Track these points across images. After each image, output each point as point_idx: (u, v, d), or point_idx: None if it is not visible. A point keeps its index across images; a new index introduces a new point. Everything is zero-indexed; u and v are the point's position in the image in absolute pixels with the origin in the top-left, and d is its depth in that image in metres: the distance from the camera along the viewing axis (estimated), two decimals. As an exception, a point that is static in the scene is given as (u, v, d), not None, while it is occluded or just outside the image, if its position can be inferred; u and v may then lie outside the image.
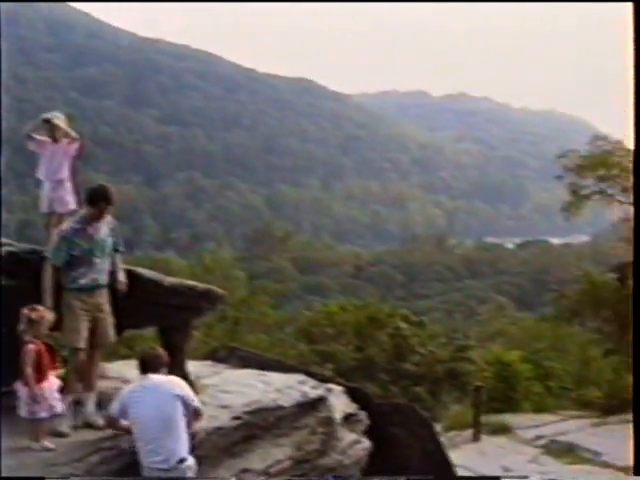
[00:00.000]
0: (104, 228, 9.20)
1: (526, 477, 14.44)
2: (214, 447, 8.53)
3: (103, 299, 9.18)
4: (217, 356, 12.55)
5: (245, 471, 8.67)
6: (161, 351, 8.67)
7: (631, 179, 25.73)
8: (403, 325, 36.83)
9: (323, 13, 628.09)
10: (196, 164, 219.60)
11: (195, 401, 8.22)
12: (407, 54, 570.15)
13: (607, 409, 26.66)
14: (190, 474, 7.86)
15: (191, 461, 7.90)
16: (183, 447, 7.90)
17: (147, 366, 8.33)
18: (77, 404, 8.88)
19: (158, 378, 8.22)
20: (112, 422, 8.39)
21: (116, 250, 9.42)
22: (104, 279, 9.23)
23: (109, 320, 9.17)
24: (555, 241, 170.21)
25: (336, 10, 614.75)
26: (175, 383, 8.25)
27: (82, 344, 8.89)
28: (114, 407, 8.27)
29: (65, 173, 9.98)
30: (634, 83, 12.81)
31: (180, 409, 8.01)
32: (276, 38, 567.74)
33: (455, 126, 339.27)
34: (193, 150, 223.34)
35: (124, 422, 8.23)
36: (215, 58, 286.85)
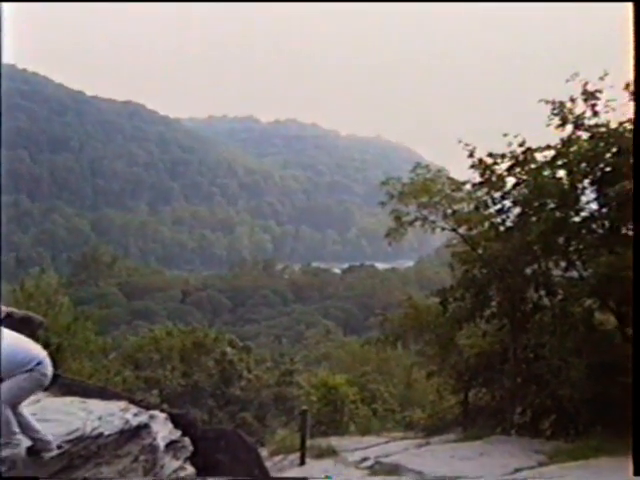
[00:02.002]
0: None
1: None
2: (33, 478, 8.31)
3: None
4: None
5: (65, 502, 8.48)
6: None
7: (453, 206, 26.68)
8: (229, 350, 36.82)
9: (153, 35, 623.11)
10: (21, 187, 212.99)
11: None
12: (236, 78, 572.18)
13: (430, 430, 27.38)
14: None
15: None
16: None
17: None
18: None
19: None
20: None
21: None
22: None
23: None
24: (381, 266, 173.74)
25: (167, 32, 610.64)
26: None
27: None
28: None
29: None
30: (634, 83, 13.23)
31: None
32: (105, 60, 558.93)
33: (283, 152, 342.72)
34: (18, 172, 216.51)
35: None
36: (42, 79, 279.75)
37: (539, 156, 23.77)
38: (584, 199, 23.37)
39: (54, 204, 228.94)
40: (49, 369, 9.05)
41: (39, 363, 8.87)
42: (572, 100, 23.06)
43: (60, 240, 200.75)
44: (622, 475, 15.55)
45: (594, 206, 23.25)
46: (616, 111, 22.47)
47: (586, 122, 22.97)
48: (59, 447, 8.66)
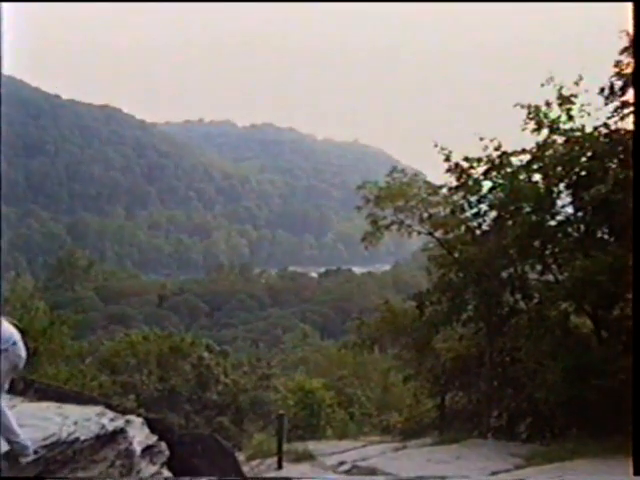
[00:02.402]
0: None
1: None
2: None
3: None
4: (13, 389, 12.14)
5: (41, 507, 8.44)
6: None
7: (429, 210, 26.76)
8: (206, 354, 36.74)
9: (130, 39, 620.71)
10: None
11: None
12: (212, 83, 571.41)
13: (407, 433, 27.42)
14: None
15: None
16: None
17: None
18: None
19: None
20: None
21: None
22: None
23: None
24: (358, 270, 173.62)
25: (143, 36, 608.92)
26: None
27: None
28: None
29: None
30: (634, 82, 13.23)
31: None
32: (82, 64, 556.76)
33: (260, 156, 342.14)
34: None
35: None
36: (17, 82, 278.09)
37: (515, 160, 23.92)
38: (560, 203, 23.52)
39: (30, 208, 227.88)
40: (23, 351, 8.95)
41: (14, 343, 8.79)
42: (547, 104, 23.21)
43: (36, 244, 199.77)
44: (599, 477, 15.69)
45: (570, 210, 23.41)
46: (591, 115, 22.67)
47: (561, 126, 23.12)
48: (35, 452, 8.62)
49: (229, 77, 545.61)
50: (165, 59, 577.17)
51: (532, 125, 23.44)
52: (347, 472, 19.45)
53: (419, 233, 27.28)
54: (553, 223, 23.53)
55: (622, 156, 20.92)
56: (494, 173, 24.13)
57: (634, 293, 10.91)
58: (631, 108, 19.93)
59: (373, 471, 18.92)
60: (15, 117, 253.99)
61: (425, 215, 26.56)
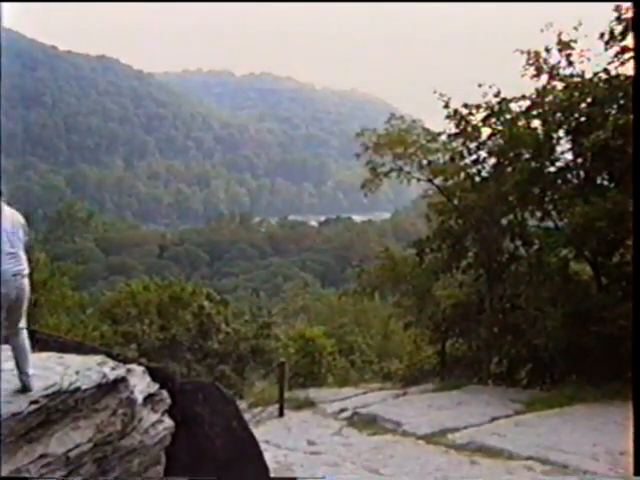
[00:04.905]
0: None
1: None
2: (11, 433, 8.28)
3: None
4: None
5: (44, 456, 8.47)
6: None
7: (428, 157, 26.65)
8: (207, 304, 36.78)
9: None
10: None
11: None
12: (210, 32, 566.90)
13: (408, 380, 27.58)
14: None
15: None
16: None
17: None
18: None
19: None
20: None
21: None
22: None
23: None
24: (357, 218, 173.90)
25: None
26: None
27: None
28: None
29: None
30: (634, 82, 13.18)
31: None
32: (78, 13, 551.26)
33: (258, 105, 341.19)
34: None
35: None
36: (13, 34, 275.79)
37: (514, 106, 23.79)
38: (559, 149, 23.44)
39: (28, 160, 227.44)
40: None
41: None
42: (547, 50, 23.03)
43: (35, 197, 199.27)
44: (597, 422, 15.84)
45: (569, 156, 23.33)
46: (591, 61, 22.51)
47: (561, 72, 22.98)
48: (36, 402, 8.68)
49: (227, 26, 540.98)
50: (162, 8, 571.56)
51: (532, 71, 23.28)
52: (347, 419, 19.60)
53: (418, 180, 27.22)
54: (553, 169, 23.47)
55: (622, 102, 20.80)
56: (493, 120, 24.01)
57: (634, 239, 10.91)
58: (631, 53, 19.77)
59: (374, 418, 19.08)
60: (12, 69, 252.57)
61: (424, 162, 26.47)
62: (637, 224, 10.57)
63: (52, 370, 9.46)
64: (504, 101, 23.72)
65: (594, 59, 22.26)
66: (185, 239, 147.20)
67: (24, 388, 8.77)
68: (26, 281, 8.98)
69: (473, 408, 19.24)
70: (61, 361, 9.68)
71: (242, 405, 20.61)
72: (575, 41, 22.53)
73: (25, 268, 8.98)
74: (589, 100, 22.07)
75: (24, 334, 9.15)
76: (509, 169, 23.51)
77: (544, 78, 23.19)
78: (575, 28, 22.36)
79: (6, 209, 9.15)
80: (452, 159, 25.47)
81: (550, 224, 23.70)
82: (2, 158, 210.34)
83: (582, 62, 22.64)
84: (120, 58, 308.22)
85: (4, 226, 8.94)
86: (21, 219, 9.18)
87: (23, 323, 9.15)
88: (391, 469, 14.01)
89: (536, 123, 23.39)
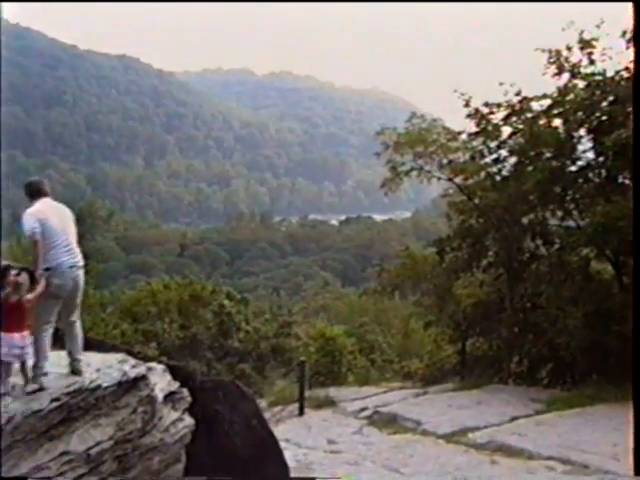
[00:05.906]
0: None
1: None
2: (32, 430, 8.34)
3: None
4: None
5: (65, 453, 8.51)
6: None
7: (448, 156, 26.56)
8: (227, 302, 36.83)
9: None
10: (16, 142, 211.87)
11: None
12: (231, 31, 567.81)
13: (428, 379, 27.54)
14: None
15: None
16: None
17: None
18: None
19: None
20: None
21: None
22: None
23: None
24: (378, 217, 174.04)
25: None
26: None
27: None
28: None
29: None
30: (634, 82, 13.11)
31: None
32: (100, 13, 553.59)
33: (278, 104, 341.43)
34: (13, 128, 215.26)
35: None
36: (35, 33, 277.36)
37: (535, 105, 23.68)
38: (580, 148, 23.31)
39: (49, 159, 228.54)
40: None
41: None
42: (568, 48, 22.91)
43: (56, 195, 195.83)
44: (617, 422, 15.74)
45: (590, 155, 23.21)
46: (612, 59, 22.37)
47: (582, 70, 22.84)
48: (57, 399, 8.72)
49: (247, 25, 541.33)
50: (183, 7, 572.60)
51: (553, 69, 23.17)
52: (368, 418, 19.58)
53: (439, 179, 27.14)
54: (574, 168, 23.37)
55: (644, 100, 20.67)
56: (514, 118, 23.92)
57: (634, 239, 10.82)
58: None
59: (394, 417, 19.05)
60: (33, 68, 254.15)
61: (445, 161, 26.39)
62: (637, 224, 10.53)
63: (73, 368, 9.52)
64: (525, 100, 23.61)
65: (615, 57, 22.12)
66: (205, 238, 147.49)
67: (74, 372, 9.20)
68: (81, 273, 9.28)
69: (493, 407, 19.19)
70: (82, 359, 9.72)
71: (262, 404, 20.65)
72: (596, 39, 22.40)
73: (80, 260, 9.31)
74: (610, 99, 21.94)
75: (78, 324, 9.57)
76: (530, 168, 23.39)
77: (565, 77, 23.09)
78: (597, 26, 22.25)
79: (56, 204, 9.37)
80: (472, 158, 25.37)
81: (571, 223, 23.61)
82: (23, 157, 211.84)
83: (604, 60, 22.51)
84: (140, 57, 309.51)
85: (57, 220, 9.15)
86: (70, 213, 9.44)
87: (78, 314, 9.35)
88: (411, 468, 14.01)
89: (557, 122, 23.28)
